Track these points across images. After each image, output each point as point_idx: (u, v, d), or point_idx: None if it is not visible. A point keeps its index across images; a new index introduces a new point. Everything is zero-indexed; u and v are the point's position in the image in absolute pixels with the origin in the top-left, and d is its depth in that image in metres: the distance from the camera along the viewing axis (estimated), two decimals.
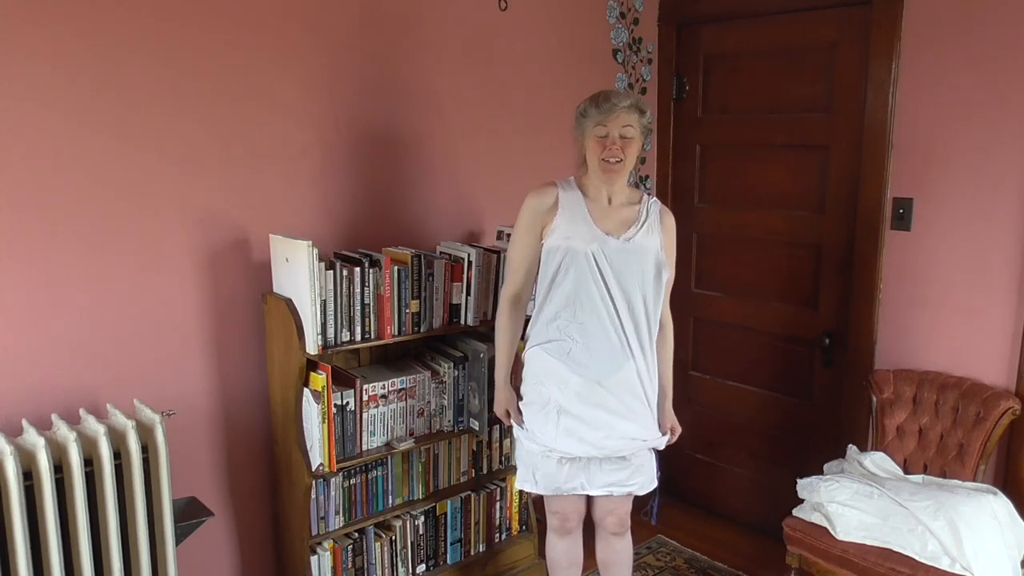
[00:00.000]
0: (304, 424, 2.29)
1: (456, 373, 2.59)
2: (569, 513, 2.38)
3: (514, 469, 2.85)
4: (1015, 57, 2.43)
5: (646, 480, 2.31)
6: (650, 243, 2.19)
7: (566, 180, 2.26)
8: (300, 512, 2.33)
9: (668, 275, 2.26)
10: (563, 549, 2.44)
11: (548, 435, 2.22)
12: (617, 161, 2.12)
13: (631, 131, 2.12)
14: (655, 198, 2.31)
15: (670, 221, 2.29)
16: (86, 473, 1.86)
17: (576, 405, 2.18)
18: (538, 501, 3.08)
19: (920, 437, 2.63)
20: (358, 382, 2.36)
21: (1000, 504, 2.29)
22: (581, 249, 2.13)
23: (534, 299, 2.29)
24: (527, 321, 2.34)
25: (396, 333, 2.40)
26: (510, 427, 2.38)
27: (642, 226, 2.20)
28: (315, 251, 2.15)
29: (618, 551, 2.44)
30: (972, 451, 2.47)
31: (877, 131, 2.75)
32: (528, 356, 2.28)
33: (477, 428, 2.65)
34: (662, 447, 2.32)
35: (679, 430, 2.38)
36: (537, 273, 2.25)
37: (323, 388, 2.25)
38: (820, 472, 2.60)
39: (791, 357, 3.14)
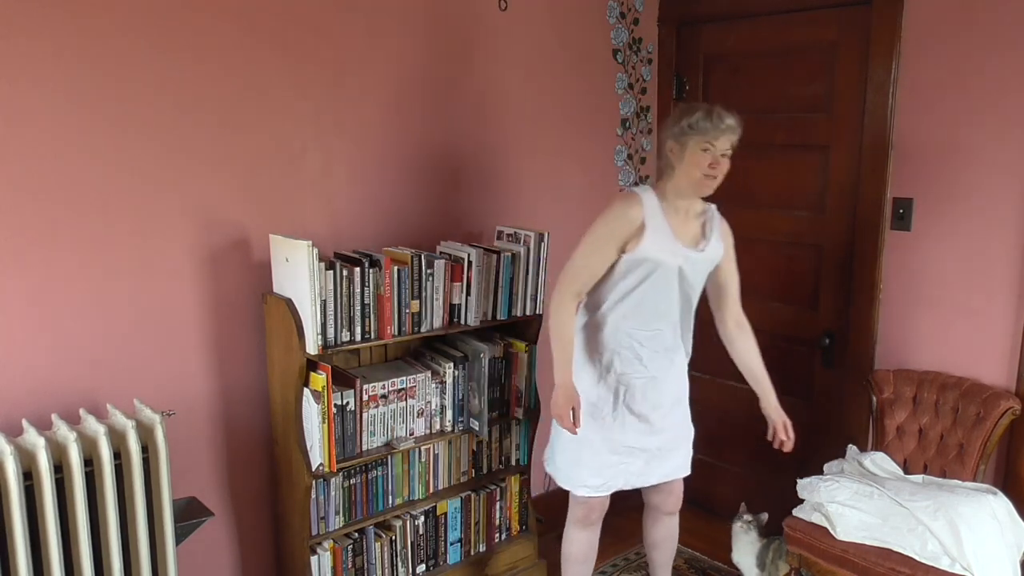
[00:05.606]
0: (304, 424, 2.29)
1: (456, 373, 2.59)
2: (597, 505, 2.43)
3: (514, 469, 2.86)
4: (1015, 56, 2.44)
5: (689, 456, 2.50)
6: (715, 252, 2.31)
7: (646, 189, 2.26)
8: (300, 512, 2.33)
9: (736, 278, 2.41)
10: (584, 540, 2.49)
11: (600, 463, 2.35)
12: (714, 178, 2.17)
13: (728, 152, 2.17)
14: (713, 205, 2.34)
15: (727, 227, 2.39)
16: (86, 473, 1.86)
17: (637, 404, 2.33)
18: (538, 500, 3.08)
19: (920, 437, 2.63)
20: (358, 382, 2.36)
21: (1000, 504, 2.29)
22: (671, 263, 2.20)
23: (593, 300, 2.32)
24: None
25: (396, 333, 2.40)
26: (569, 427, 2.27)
27: (710, 237, 2.30)
28: (315, 251, 2.15)
29: (671, 528, 2.61)
30: (972, 451, 2.47)
31: (877, 131, 2.75)
32: (591, 359, 2.32)
33: (477, 428, 2.65)
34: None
35: (789, 423, 2.43)
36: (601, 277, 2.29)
37: (323, 388, 2.25)
38: (820, 472, 2.60)
39: (791, 357, 3.14)
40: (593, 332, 2.32)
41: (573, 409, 2.23)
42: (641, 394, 2.31)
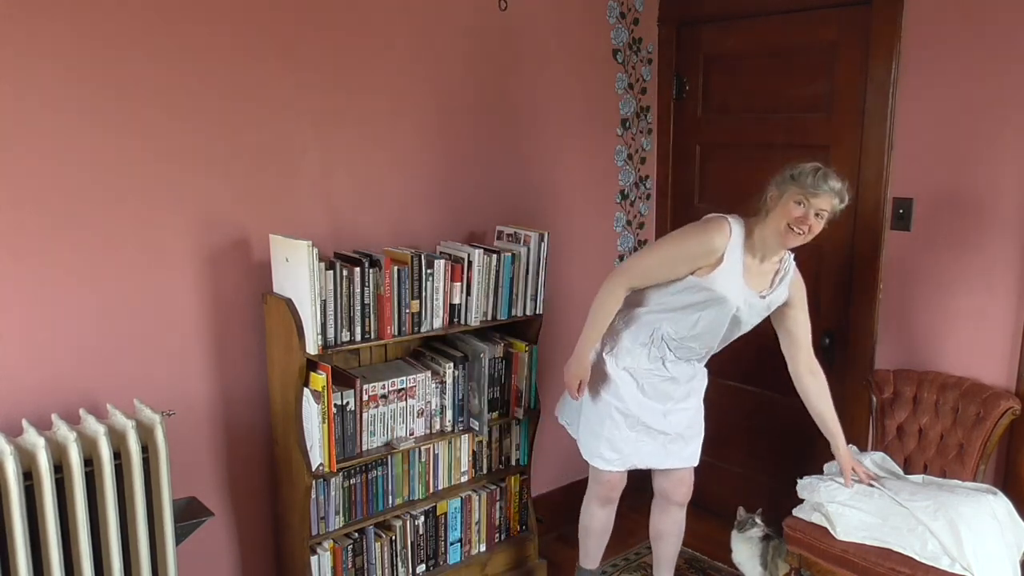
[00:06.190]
0: (304, 424, 2.29)
1: (456, 373, 2.59)
2: (617, 483, 2.55)
3: (514, 469, 2.86)
4: (1015, 56, 2.43)
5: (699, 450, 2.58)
6: (777, 297, 2.34)
7: (737, 220, 2.26)
8: (300, 512, 2.33)
9: (807, 328, 2.42)
10: (603, 517, 2.63)
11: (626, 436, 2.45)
12: (800, 234, 2.16)
13: (824, 214, 2.16)
14: (792, 255, 2.34)
15: (800, 279, 2.39)
16: (86, 473, 1.86)
17: (650, 394, 2.42)
18: (538, 500, 3.08)
19: (920, 437, 2.63)
20: (358, 382, 2.36)
21: (1000, 504, 2.29)
22: (731, 302, 2.25)
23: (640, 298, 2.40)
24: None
25: (396, 333, 2.40)
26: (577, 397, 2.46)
27: (778, 284, 2.32)
28: (315, 251, 2.15)
29: (678, 521, 2.66)
30: (972, 451, 2.47)
31: (877, 131, 2.75)
32: (626, 347, 2.41)
33: (477, 428, 2.65)
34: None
35: (859, 466, 2.48)
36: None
37: (323, 388, 2.25)
38: (820, 472, 2.60)
39: None
40: (628, 323, 2.40)
41: (582, 382, 2.41)
42: (656, 389, 2.41)
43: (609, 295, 2.34)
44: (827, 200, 2.14)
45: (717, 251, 2.21)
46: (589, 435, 2.50)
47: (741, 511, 2.81)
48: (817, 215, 2.14)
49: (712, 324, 2.30)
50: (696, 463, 2.56)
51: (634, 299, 2.39)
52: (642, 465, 2.50)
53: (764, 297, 2.30)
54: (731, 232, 2.22)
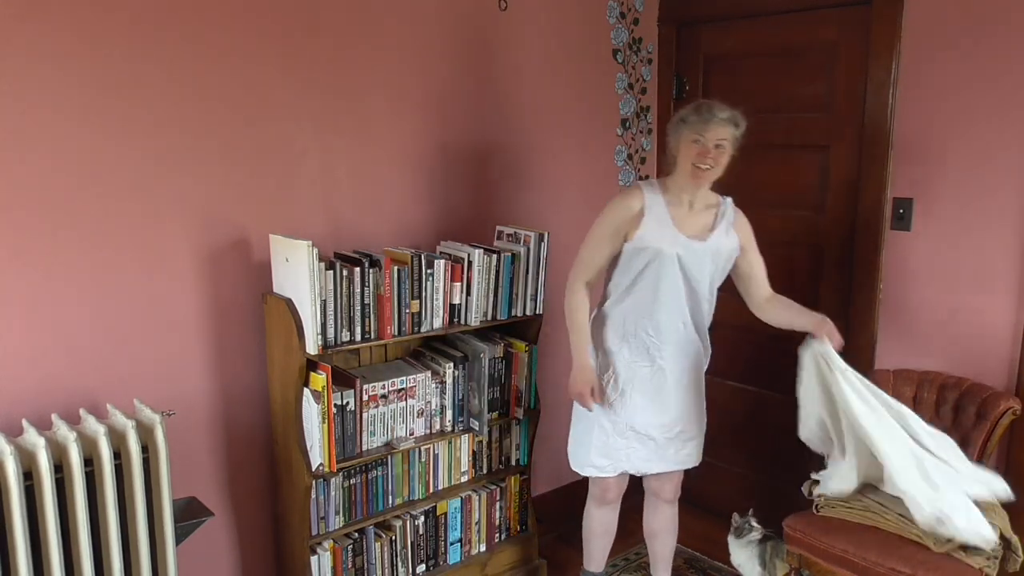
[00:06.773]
0: (304, 424, 2.29)
1: (456, 373, 2.59)
2: (612, 485, 2.54)
3: (514, 469, 2.86)
4: (1015, 57, 2.44)
5: (699, 448, 2.56)
6: (726, 243, 2.36)
7: (649, 182, 2.37)
8: (300, 512, 2.33)
9: (760, 264, 2.44)
10: (600, 518, 2.63)
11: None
12: (707, 168, 2.22)
13: (724, 143, 2.22)
14: (730, 199, 2.41)
15: (743, 219, 2.42)
16: (86, 473, 1.86)
17: (640, 390, 2.40)
18: (538, 500, 3.08)
19: None
20: (358, 382, 2.36)
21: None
22: (668, 252, 2.28)
23: (606, 290, 2.45)
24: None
25: (396, 333, 2.40)
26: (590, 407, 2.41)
27: (718, 228, 2.35)
28: (315, 251, 2.15)
29: (670, 518, 2.67)
30: (972, 451, 2.47)
31: (877, 131, 2.75)
32: (605, 347, 2.42)
33: (477, 428, 2.65)
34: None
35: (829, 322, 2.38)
36: (609, 267, 2.40)
37: (323, 388, 2.25)
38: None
39: (791, 357, 3.12)
40: (603, 323, 2.42)
41: (593, 388, 2.37)
42: (646, 383, 2.40)
43: (572, 295, 2.40)
44: (721, 129, 2.20)
45: (634, 207, 2.30)
46: (576, 445, 2.51)
47: (736, 517, 2.80)
48: (717, 146, 2.21)
49: (666, 285, 2.31)
50: (693, 464, 2.55)
51: (599, 301, 2.44)
52: (634, 471, 2.50)
53: (706, 241, 2.32)
54: (643, 190, 2.32)
